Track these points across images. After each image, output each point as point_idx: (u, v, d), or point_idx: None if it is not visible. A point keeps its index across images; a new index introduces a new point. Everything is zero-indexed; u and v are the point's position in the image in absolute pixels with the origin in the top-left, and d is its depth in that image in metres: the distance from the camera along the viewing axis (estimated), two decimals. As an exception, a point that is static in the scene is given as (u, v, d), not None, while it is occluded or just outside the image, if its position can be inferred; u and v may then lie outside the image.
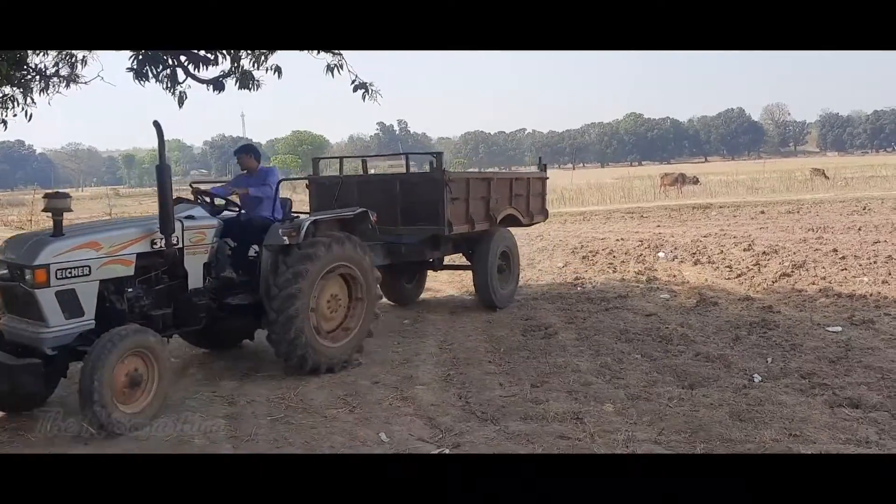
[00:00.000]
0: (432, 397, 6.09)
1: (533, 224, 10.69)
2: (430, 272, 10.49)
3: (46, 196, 5.36)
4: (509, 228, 10.02)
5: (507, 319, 8.90)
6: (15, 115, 9.85)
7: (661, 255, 13.61)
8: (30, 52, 9.31)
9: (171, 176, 5.68)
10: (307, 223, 6.50)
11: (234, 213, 6.93)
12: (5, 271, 5.35)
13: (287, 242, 6.36)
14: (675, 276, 11.67)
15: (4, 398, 5.34)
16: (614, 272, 12.20)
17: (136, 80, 9.42)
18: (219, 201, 6.90)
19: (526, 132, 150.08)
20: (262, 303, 6.37)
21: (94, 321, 5.37)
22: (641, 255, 13.78)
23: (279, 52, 9.65)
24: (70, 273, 5.19)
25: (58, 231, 5.26)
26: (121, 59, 9.67)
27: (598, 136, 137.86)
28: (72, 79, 9.98)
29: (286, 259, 6.34)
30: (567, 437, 5.06)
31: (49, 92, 9.94)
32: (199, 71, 9.86)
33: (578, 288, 10.98)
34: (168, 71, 9.63)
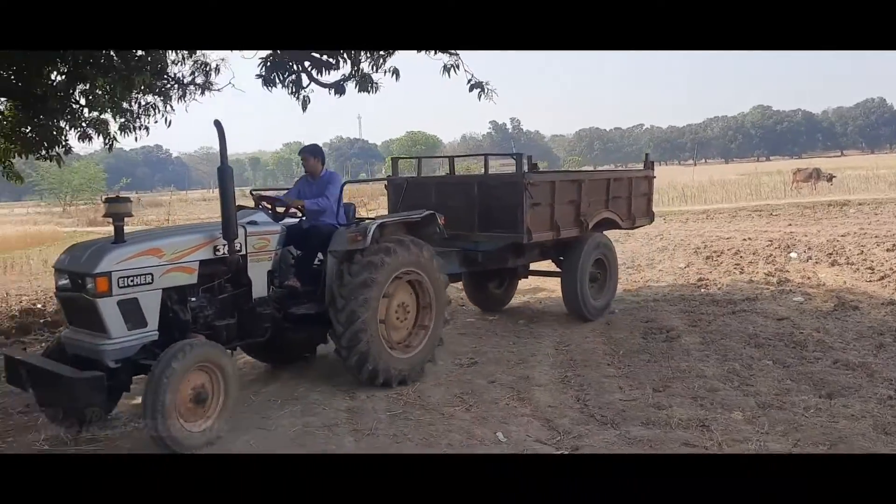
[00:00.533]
0: (549, 398, 6.00)
1: (635, 228, 9.89)
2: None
3: (107, 200, 5.16)
4: (606, 233, 9.26)
5: (626, 321, 8.64)
6: (156, 122, 10.58)
7: (793, 255, 12.80)
8: (169, 62, 9.97)
9: (233, 178, 5.42)
10: (373, 227, 6.13)
11: (295, 221, 6.56)
12: (66, 281, 5.10)
13: (351, 248, 6.06)
14: (809, 277, 10.93)
15: (67, 412, 5.09)
16: (741, 273, 11.59)
17: (265, 86, 9.89)
18: (280, 208, 6.53)
19: (644, 128, 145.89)
20: (327, 313, 6.05)
21: (157, 332, 5.11)
22: (771, 255, 13.01)
23: (396, 54, 9.86)
24: (132, 281, 4.95)
25: (119, 237, 5.04)
26: (250, 67, 10.14)
27: (721, 131, 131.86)
28: (206, 86, 10.60)
29: (351, 267, 6.00)
30: (692, 444, 4.85)
31: (186, 99, 10.60)
32: (321, 75, 10.26)
33: (702, 290, 10.51)
34: (293, 76, 10.06)
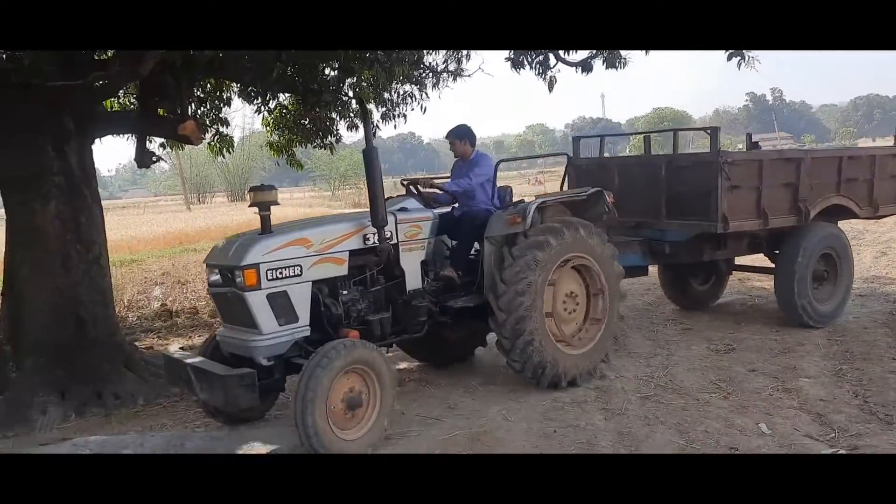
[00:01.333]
0: (821, 392, 5.45)
1: (880, 217, 8.13)
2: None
3: (252, 189, 4.88)
4: (839, 224, 7.75)
5: (916, 311, 7.53)
6: (412, 110, 11.25)
7: None
8: (425, 52, 10.54)
9: (379, 158, 5.08)
10: (533, 207, 5.59)
11: (448, 209, 6.02)
12: (217, 277, 4.93)
13: (510, 231, 5.55)
14: None
15: (221, 411, 5.13)
16: None
17: (513, 69, 10.05)
18: (428, 192, 6.02)
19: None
20: (486, 306, 5.57)
21: (308, 327, 4.88)
22: None
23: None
24: (281, 273, 4.72)
25: (266, 228, 4.83)
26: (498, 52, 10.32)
27: None
28: (458, 72, 11.05)
29: (512, 250, 5.49)
30: None
31: (439, 86, 11.15)
32: (568, 54, 10.18)
33: None
34: (541, 57, 10.10)
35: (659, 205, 7.08)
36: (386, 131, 12.34)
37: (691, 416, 5.07)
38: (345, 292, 5.15)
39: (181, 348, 7.22)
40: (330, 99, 10.62)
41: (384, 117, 11.14)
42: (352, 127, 11.33)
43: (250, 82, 8.02)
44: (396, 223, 5.36)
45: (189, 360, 4.87)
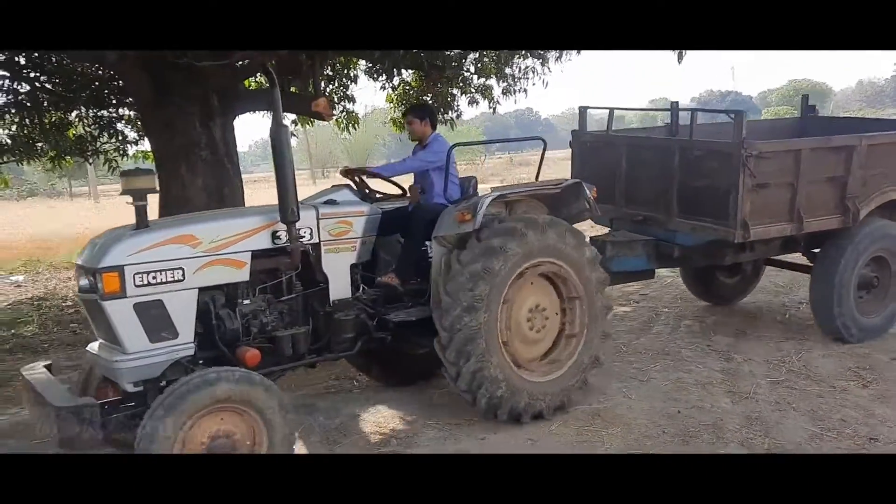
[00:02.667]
0: (976, 385, 5.05)
1: None
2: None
3: (124, 174, 3.95)
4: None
5: None
6: (533, 85, 11.19)
7: None
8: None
9: (290, 138, 4.39)
10: (486, 201, 4.57)
11: (404, 203, 5.10)
12: (85, 280, 3.94)
13: (461, 231, 4.58)
14: None
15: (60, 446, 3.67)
16: None
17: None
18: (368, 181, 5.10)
19: None
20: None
21: (192, 344, 3.98)
22: None
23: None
24: (155, 278, 3.83)
25: (141, 222, 3.94)
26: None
27: None
28: (581, 47, 10.87)
29: (461, 255, 4.52)
30: None
31: (562, 60, 11.01)
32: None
33: None
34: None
35: (670, 198, 5.82)
36: (505, 106, 12.32)
37: (827, 404, 4.85)
38: (246, 302, 4.23)
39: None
40: (452, 75, 10.74)
41: (505, 92, 11.14)
42: (473, 102, 11.41)
43: (378, 59, 8.25)
44: (318, 219, 4.43)
45: (35, 383, 3.87)
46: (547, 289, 4.87)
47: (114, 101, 10.11)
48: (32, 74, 9.47)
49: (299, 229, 4.29)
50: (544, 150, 5.46)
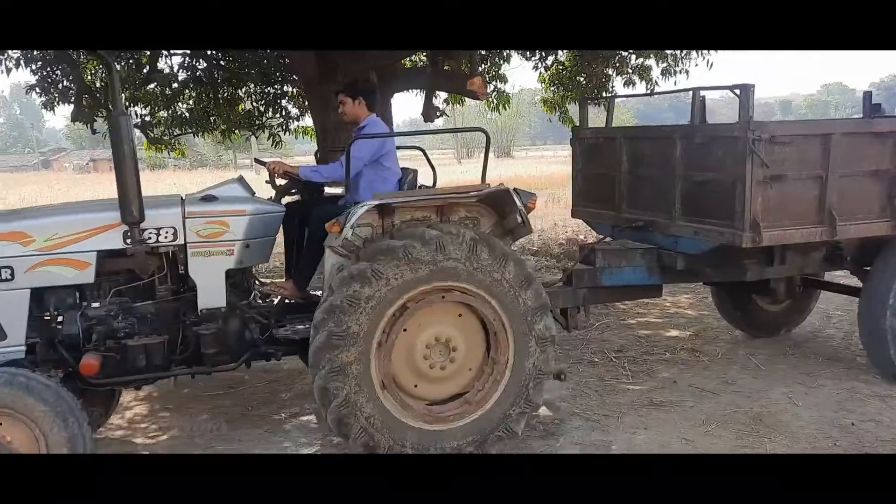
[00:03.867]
0: None
1: None
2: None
3: None
4: None
5: None
6: (696, 65, 10.60)
7: None
8: None
9: (132, 127, 3.87)
10: (359, 212, 3.81)
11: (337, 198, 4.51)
12: None
13: (333, 245, 3.92)
14: None
15: None
16: None
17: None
18: (281, 181, 4.55)
19: None
20: None
21: (24, 347, 3.75)
22: None
23: None
24: None
25: None
26: None
27: None
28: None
29: (334, 279, 3.81)
30: None
31: (730, 39, 10.34)
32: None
33: None
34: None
35: (672, 198, 4.92)
36: (663, 87, 11.76)
37: None
38: (94, 305, 3.92)
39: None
40: (609, 54, 10.39)
41: (664, 73, 10.64)
42: (628, 83, 11.00)
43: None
44: (183, 218, 3.94)
45: None
46: (465, 319, 4.00)
47: (279, 78, 10.58)
48: (210, 52, 10.10)
49: (160, 229, 3.90)
50: (488, 143, 4.29)
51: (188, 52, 10.54)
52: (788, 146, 4.49)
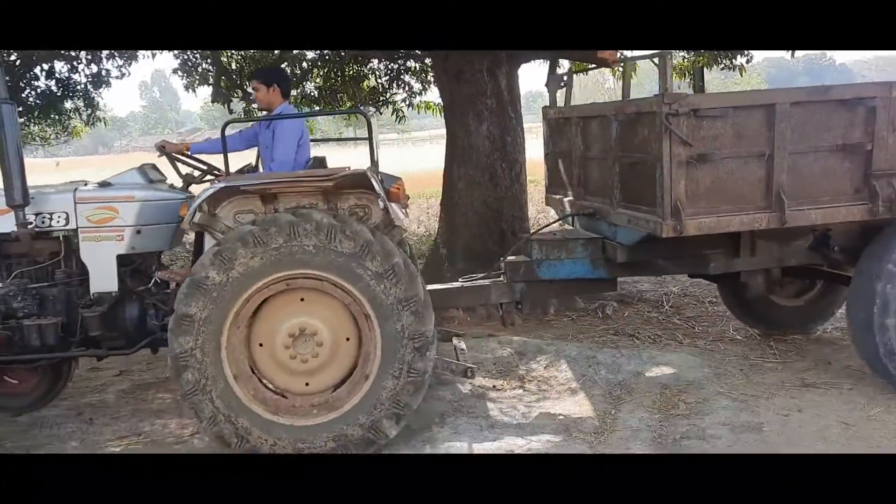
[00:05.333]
0: None
1: None
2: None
3: None
4: None
5: None
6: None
7: None
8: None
9: (15, 115, 3.92)
10: (205, 196, 3.76)
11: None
12: None
13: (183, 227, 4.02)
14: None
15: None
16: None
17: None
18: (185, 169, 4.53)
19: None
20: None
21: None
22: None
23: None
24: None
25: None
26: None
27: None
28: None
29: (196, 263, 3.83)
30: None
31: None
32: None
33: None
34: None
35: (611, 182, 4.60)
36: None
37: None
38: None
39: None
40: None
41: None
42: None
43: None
44: (75, 203, 4.09)
45: None
46: (335, 309, 3.88)
47: (401, 54, 10.65)
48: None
49: (52, 214, 4.08)
50: (370, 125, 4.08)
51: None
52: (720, 120, 3.98)
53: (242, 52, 11.33)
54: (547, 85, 9.86)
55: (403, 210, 4.21)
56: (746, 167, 4.07)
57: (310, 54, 11.24)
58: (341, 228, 3.66)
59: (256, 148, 4.69)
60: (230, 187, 3.73)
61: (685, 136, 3.89)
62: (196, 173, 4.52)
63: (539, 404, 4.55)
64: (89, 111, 11.64)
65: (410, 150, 43.03)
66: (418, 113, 11.79)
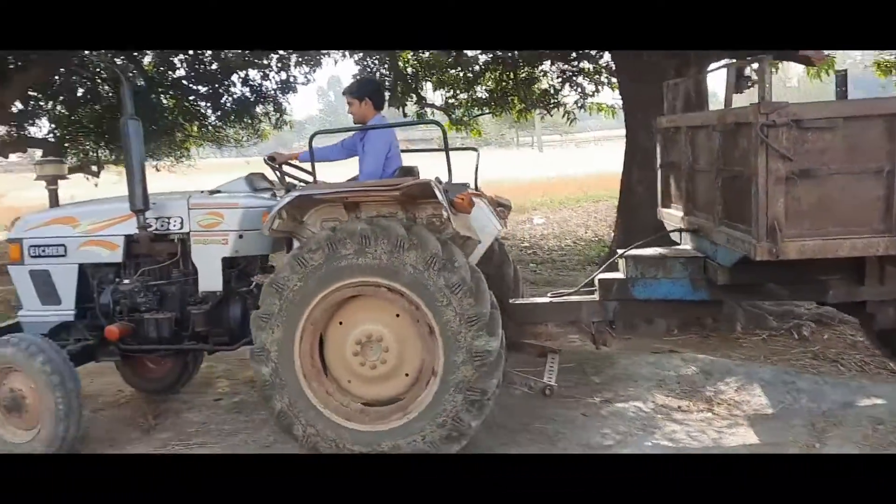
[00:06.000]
0: None
1: None
2: None
3: (37, 163, 4.86)
4: None
5: None
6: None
7: None
8: None
9: (140, 129, 4.34)
10: (283, 202, 3.94)
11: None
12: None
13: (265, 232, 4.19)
14: None
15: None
16: None
17: None
18: (291, 180, 4.66)
19: None
20: None
21: (73, 311, 4.58)
22: None
23: None
24: (44, 251, 4.55)
25: (53, 203, 4.77)
26: None
27: None
28: None
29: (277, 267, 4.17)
30: None
31: None
32: None
33: None
34: None
35: (714, 197, 4.17)
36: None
37: None
38: (125, 282, 4.54)
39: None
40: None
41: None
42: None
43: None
44: (188, 209, 4.46)
45: None
46: (392, 314, 3.98)
47: (574, 55, 10.46)
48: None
49: (169, 218, 4.46)
50: (445, 135, 4.16)
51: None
52: (828, 132, 3.53)
53: (419, 57, 11.59)
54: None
55: (501, 219, 4.42)
56: (861, 185, 3.61)
57: (483, 57, 11.32)
58: (404, 237, 3.72)
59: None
60: (304, 196, 3.96)
61: (785, 150, 3.51)
62: (298, 183, 4.72)
63: (731, 431, 4.23)
64: (278, 115, 12.45)
65: (573, 152, 42.47)
66: (590, 115, 11.53)
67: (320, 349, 4.03)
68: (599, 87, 10.59)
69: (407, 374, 3.97)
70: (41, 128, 14.05)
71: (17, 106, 12.27)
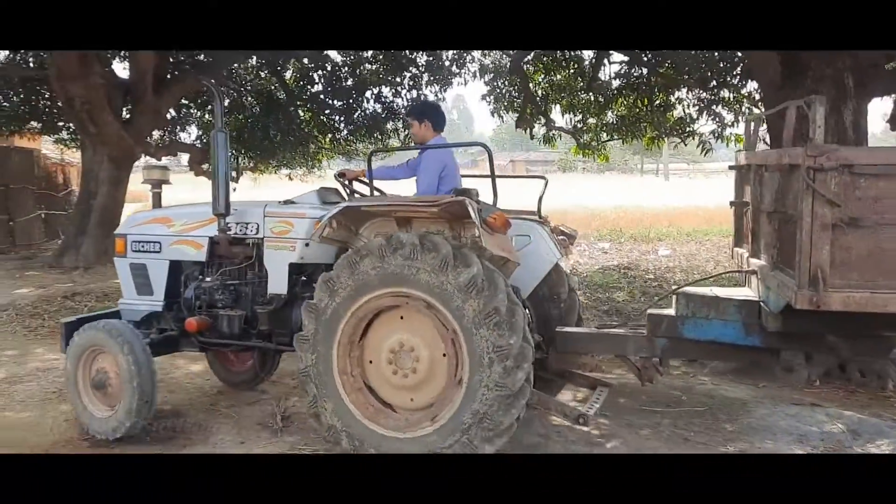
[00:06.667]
0: None
1: None
2: None
3: (145, 168, 5.33)
4: None
5: None
6: None
7: None
8: None
9: (228, 141, 4.77)
10: (330, 214, 4.12)
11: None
12: None
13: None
14: None
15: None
16: None
17: None
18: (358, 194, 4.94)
19: None
20: None
21: (162, 303, 4.99)
22: None
23: None
24: (143, 247, 5.01)
25: (156, 204, 5.22)
26: None
27: None
28: None
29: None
30: None
31: None
32: None
33: None
34: None
35: (770, 240, 4.04)
36: None
37: None
38: (208, 280, 4.90)
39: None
40: None
41: None
42: None
43: None
44: (264, 216, 4.74)
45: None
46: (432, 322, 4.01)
47: (714, 84, 10.08)
48: (646, 58, 9.99)
49: (247, 223, 4.76)
50: (491, 158, 4.28)
51: (626, 59, 10.59)
52: (883, 179, 3.27)
53: (550, 81, 11.49)
54: (890, 121, 8.58)
55: (563, 248, 4.69)
56: None
57: (615, 82, 11.08)
58: (421, 246, 3.81)
59: None
60: (352, 207, 4.16)
61: (832, 196, 3.30)
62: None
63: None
64: (406, 132, 12.70)
65: (701, 182, 40.85)
66: (727, 146, 10.99)
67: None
68: (740, 118, 10.12)
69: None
70: (190, 133, 15.05)
71: (171, 113, 13.20)
